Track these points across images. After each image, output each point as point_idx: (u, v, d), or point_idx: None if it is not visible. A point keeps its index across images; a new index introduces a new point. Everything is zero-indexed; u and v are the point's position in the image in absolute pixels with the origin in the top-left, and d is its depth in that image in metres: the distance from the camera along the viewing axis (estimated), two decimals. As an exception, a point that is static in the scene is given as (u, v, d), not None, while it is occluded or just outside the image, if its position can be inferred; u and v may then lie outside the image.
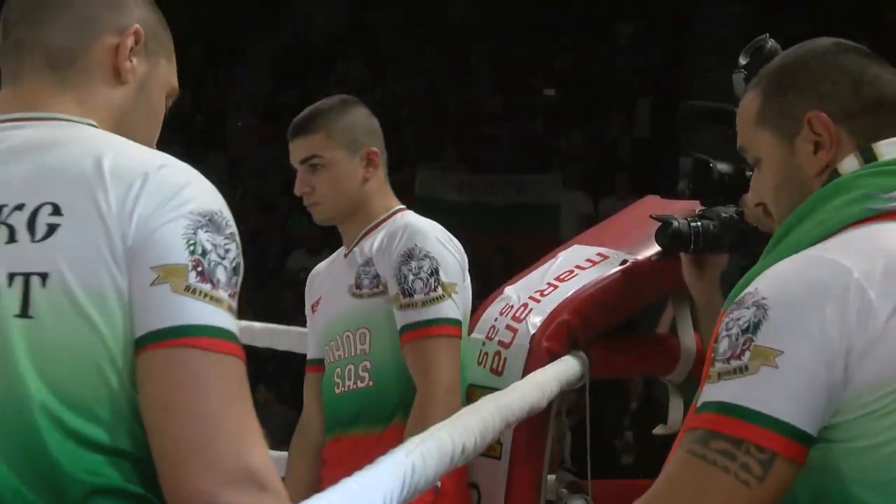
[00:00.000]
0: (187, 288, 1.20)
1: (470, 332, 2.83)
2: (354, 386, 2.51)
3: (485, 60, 11.78)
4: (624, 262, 2.65)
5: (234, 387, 1.21)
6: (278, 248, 10.62)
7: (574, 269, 2.72)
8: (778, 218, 1.49)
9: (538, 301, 2.60)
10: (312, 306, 2.69)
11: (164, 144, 1.51)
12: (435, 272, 2.45)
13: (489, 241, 9.68)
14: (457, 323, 2.48)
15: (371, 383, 2.50)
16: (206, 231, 1.23)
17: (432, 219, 2.59)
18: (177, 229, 1.22)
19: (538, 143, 10.81)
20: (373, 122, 2.60)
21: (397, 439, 2.41)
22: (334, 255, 2.73)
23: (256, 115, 11.84)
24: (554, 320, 2.52)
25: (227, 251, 1.24)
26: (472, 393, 2.50)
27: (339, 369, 2.55)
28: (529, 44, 11.83)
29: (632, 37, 11.54)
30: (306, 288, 2.76)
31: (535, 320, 2.55)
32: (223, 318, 1.22)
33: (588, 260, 2.78)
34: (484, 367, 2.57)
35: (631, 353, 2.77)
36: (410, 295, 2.44)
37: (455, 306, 2.48)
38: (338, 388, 2.55)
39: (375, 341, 2.50)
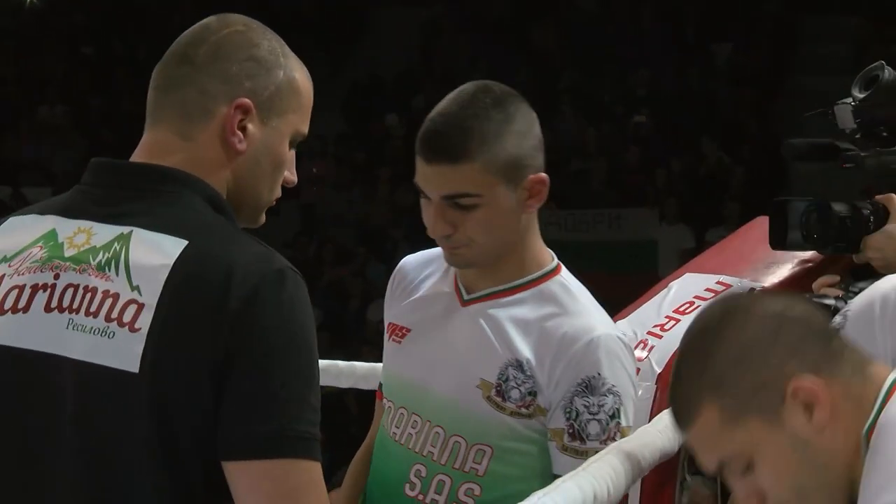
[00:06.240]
0: None
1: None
2: None
3: (569, 89, 11.71)
4: (751, 290, 2.57)
5: None
6: (358, 300, 10.56)
7: (694, 301, 2.66)
8: None
9: (659, 336, 2.54)
10: (397, 331, 2.15)
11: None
12: (616, 414, 1.98)
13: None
14: None
15: None
16: None
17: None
18: None
19: (631, 175, 10.69)
20: (537, 129, 2.02)
21: None
22: (438, 269, 2.15)
23: (329, 159, 11.84)
24: (681, 357, 2.44)
25: None
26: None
27: (423, 468, 2.04)
28: (616, 68, 11.76)
29: (730, 57, 11.40)
30: (394, 283, 2.21)
31: (660, 357, 2.47)
32: None
33: (708, 289, 2.75)
34: (603, 409, 2.49)
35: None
36: (582, 440, 1.97)
37: None
38: (412, 490, 2.04)
39: (495, 465, 2.00)
